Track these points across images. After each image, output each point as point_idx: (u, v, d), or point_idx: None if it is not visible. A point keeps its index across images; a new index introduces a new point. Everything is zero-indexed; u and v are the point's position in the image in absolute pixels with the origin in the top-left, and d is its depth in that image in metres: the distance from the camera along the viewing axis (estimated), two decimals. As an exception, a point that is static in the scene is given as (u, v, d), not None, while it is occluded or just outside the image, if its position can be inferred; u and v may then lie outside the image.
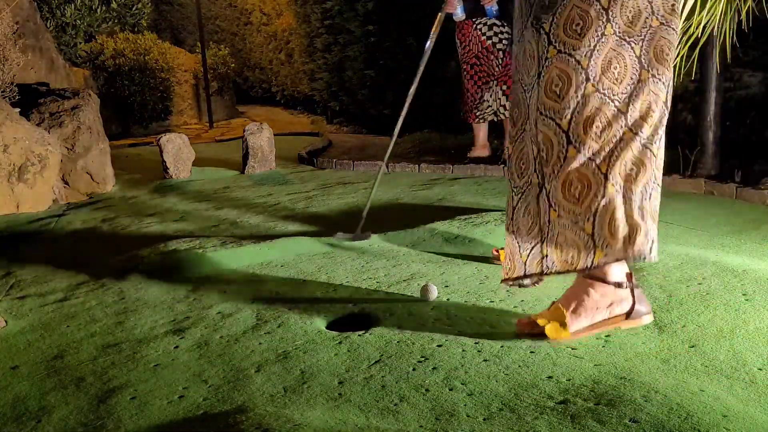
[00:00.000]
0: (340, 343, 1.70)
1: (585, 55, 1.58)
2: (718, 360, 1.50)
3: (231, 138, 7.76)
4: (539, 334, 1.64)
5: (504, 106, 4.63)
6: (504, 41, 4.53)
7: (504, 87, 4.61)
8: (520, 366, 1.51)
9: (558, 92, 1.61)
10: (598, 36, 1.58)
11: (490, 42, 4.52)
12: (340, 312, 1.93)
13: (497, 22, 4.51)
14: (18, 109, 4.00)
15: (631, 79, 1.60)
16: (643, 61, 1.61)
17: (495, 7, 4.46)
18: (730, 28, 2.80)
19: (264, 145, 4.84)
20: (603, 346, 1.60)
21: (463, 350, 1.62)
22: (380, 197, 3.74)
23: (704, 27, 2.78)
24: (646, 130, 1.61)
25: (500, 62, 4.55)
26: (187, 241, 2.63)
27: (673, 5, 1.62)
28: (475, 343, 1.65)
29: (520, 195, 1.73)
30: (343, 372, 1.53)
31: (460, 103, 5.07)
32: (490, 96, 4.62)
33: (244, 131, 4.94)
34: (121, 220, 3.40)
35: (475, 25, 4.53)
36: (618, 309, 1.64)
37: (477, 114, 4.69)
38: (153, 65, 8.85)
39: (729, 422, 1.23)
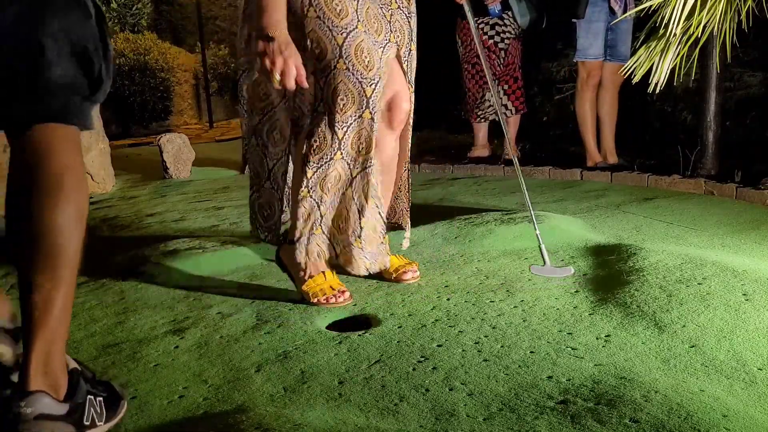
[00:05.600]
0: (340, 343, 1.70)
1: None
2: (718, 360, 1.50)
3: (231, 138, 7.76)
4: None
5: (505, 106, 4.63)
6: (506, 40, 4.53)
7: (505, 86, 4.61)
8: (520, 366, 1.51)
9: None
10: None
11: (492, 41, 4.53)
12: (340, 312, 1.93)
13: (499, 21, 4.51)
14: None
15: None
16: None
17: (498, 7, 4.46)
18: (730, 28, 2.79)
19: (264, 145, 4.85)
20: (603, 346, 1.60)
21: (463, 350, 1.62)
22: (380, 197, 3.73)
23: (704, 27, 2.77)
24: None
25: (502, 62, 4.56)
26: (187, 241, 2.63)
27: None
28: (475, 343, 1.65)
29: None
30: (343, 372, 1.53)
31: (461, 103, 5.07)
32: (492, 96, 4.62)
33: (244, 131, 4.94)
34: (121, 220, 3.40)
35: (476, 25, 4.54)
36: None
37: (478, 114, 4.69)
38: (153, 65, 8.85)
39: (729, 422, 1.23)
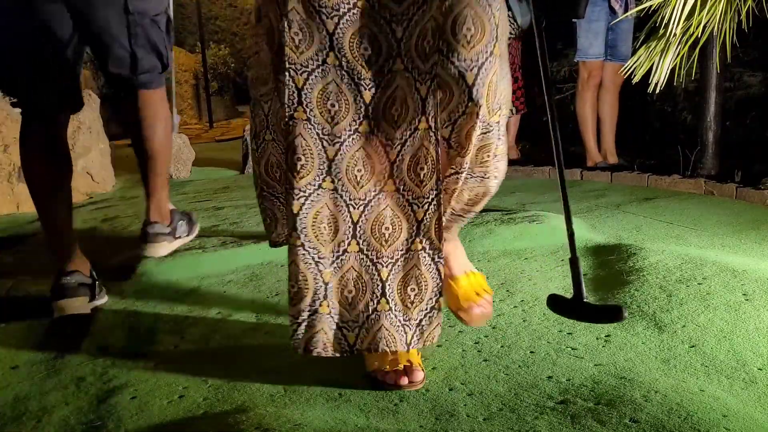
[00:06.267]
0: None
1: None
2: (718, 360, 1.50)
3: (231, 138, 7.76)
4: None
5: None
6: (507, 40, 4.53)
7: None
8: (520, 366, 1.51)
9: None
10: None
11: None
12: (340, 312, 1.93)
13: None
14: (18, 109, 4.00)
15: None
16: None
17: None
18: (730, 28, 2.80)
19: (264, 145, 4.85)
20: (603, 346, 1.60)
21: (463, 350, 1.62)
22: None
23: (704, 27, 2.78)
24: None
25: None
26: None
27: None
28: (475, 343, 1.65)
29: None
30: (343, 372, 1.53)
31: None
32: None
33: (244, 131, 4.95)
34: (121, 220, 3.40)
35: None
36: None
37: None
38: (153, 65, 8.83)
39: (729, 422, 1.23)
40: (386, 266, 1.40)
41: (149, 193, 2.09)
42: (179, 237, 2.22)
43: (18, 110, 3.96)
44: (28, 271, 2.52)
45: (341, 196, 1.37)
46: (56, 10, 1.85)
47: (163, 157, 2.09)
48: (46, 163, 1.98)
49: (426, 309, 1.42)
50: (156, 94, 2.05)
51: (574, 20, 4.06)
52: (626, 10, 3.89)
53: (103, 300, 2.09)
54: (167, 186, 2.16)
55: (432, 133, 1.33)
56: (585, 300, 1.35)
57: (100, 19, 1.88)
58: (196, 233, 2.35)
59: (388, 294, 1.40)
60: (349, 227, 1.39)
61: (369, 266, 1.40)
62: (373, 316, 1.41)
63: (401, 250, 1.40)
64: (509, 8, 4.49)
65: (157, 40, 2.00)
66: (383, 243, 1.40)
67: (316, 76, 1.33)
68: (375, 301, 1.41)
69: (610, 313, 1.38)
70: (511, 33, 4.55)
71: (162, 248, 2.15)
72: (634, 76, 3.01)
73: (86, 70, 8.02)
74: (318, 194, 1.37)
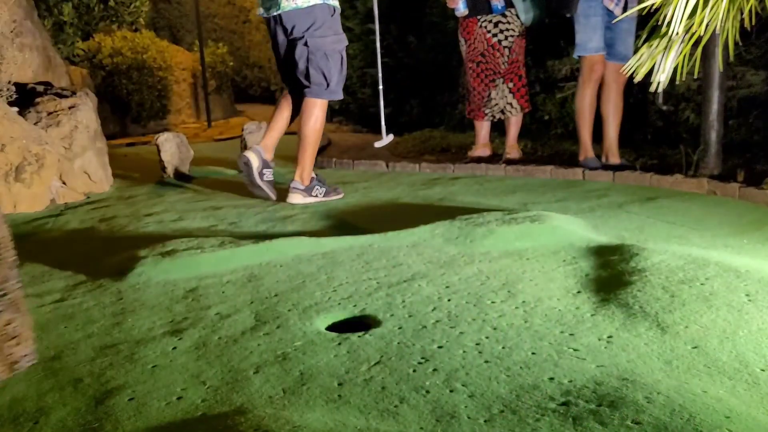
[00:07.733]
0: (339, 344, 1.68)
1: None
2: (721, 361, 1.48)
3: (229, 137, 7.75)
4: None
5: (511, 104, 4.61)
6: (510, 38, 4.51)
7: (510, 84, 4.59)
8: (521, 367, 1.50)
9: None
10: None
11: (495, 39, 4.51)
12: (339, 313, 1.92)
13: (502, 19, 4.49)
14: (15, 108, 3.99)
15: None
16: None
17: (501, 3, 4.44)
18: (732, 26, 2.78)
19: (263, 144, 4.83)
20: (605, 347, 1.58)
21: (464, 351, 1.60)
22: (380, 197, 3.72)
23: (707, 25, 2.76)
24: None
25: (506, 60, 4.54)
26: (185, 241, 2.61)
27: None
28: (476, 344, 1.64)
29: None
30: (342, 373, 1.52)
31: (465, 102, 5.05)
32: (497, 94, 4.61)
33: (242, 130, 4.94)
34: (118, 220, 3.39)
35: (480, 23, 4.52)
36: None
37: (486, 112, 4.68)
38: (151, 64, 8.84)
39: (731, 424, 1.21)
40: None
41: (298, 161, 3.58)
42: (314, 196, 3.59)
43: (15, 109, 3.94)
44: (25, 271, 2.51)
45: None
46: (282, 42, 3.61)
47: (308, 141, 3.58)
48: (291, 108, 3.73)
49: None
50: (317, 102, 3.54)
51: (568, 15, 4.04)
52: (626, 9, 3.86)
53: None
54: (311, 160, 3.61)
55: None
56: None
57: (293, 47, 3.54)
58: (333, 198, 3.64)
59: None
60: None
61: None
62: None
63: None
64: (513, 5, 4.48)
65: (323, 67, 3.48)
66: None
67: None
68: None
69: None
70: (514, 31, 4.53)
71: (295, 198, 3.55)
72: (636, 75, 3.00)
73: (83, 69, 8.00)
74: None
